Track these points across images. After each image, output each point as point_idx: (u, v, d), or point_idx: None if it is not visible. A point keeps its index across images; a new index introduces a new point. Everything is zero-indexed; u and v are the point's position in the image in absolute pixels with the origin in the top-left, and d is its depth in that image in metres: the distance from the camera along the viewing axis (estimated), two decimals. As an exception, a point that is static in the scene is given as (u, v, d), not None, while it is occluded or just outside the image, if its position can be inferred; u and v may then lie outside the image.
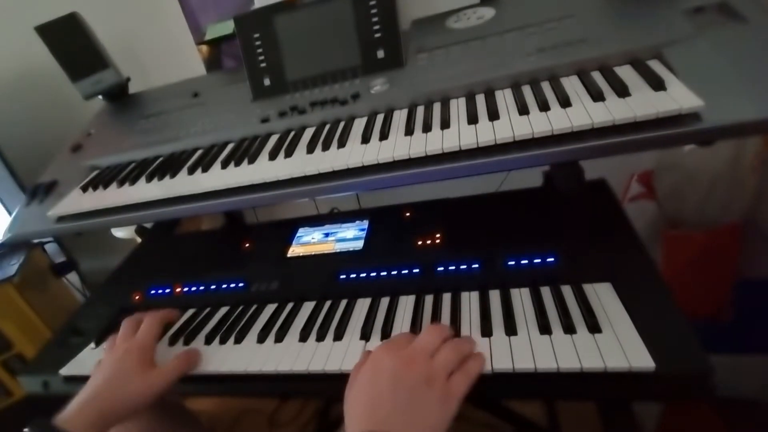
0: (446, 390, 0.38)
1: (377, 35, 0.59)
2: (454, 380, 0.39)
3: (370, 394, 0.38)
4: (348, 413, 0.39)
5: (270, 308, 0.59)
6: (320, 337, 0.50)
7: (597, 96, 0.43)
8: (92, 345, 0.61)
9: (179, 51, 0.98)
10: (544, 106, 0.45)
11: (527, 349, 0.41)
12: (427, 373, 0.38)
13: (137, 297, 0.69)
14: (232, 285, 0.64)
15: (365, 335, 0.49)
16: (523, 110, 0.45)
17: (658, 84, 0.42)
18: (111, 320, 0.65)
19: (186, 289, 0.67)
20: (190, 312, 0.63)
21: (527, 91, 0.49)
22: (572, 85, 0.47)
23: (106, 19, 0.84)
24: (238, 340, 0.54)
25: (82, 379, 0.57)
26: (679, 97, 0.40)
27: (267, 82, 0.64)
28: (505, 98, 0.49)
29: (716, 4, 0.48)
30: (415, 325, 0.48)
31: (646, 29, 0.49)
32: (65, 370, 0.58)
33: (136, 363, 0.49)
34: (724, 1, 0.47)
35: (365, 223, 0.68)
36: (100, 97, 0.82)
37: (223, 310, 0.61)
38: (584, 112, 0.42)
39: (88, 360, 0.59)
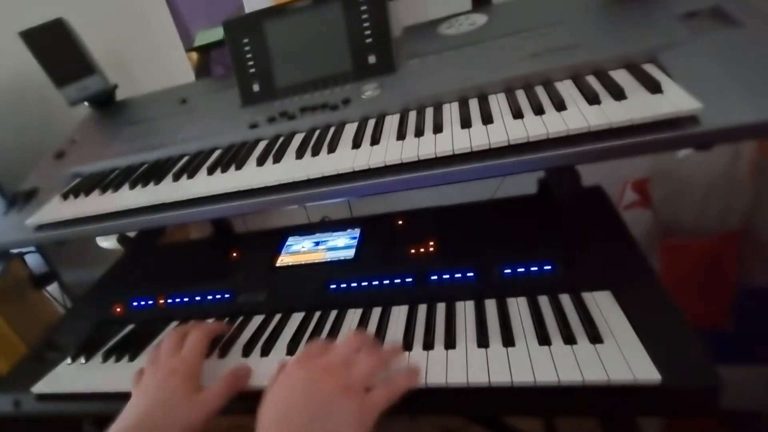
0: (364, 401, 0.36)
1: (368, 40, 0.58)
2: (376, 393, 0.37)
3: (282, 409, 0.37)
4: (259, 430, 0.37)
5: (257, 320, 0.56)
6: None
7: (593, 99, 0.42)
8: (68, 360, 0.58)
9: (169, 58, 0.97)
10: (538, 110, 0.44)
11: (526, 361, 0.39)
12: (343, 383, 0.37)
13: (119, 309, 0.66)
14: (218, 296, 0.62)
15: (356, 348, 0.47)
16: (517, 114, 0.44)
17: (654, 87, 0.41)
18: (90, 334, 0.62)
19: (170, 300, 0.64)
20: (173, 324, 0.60)
21: (521, 96, 0.48)
22: (567, 89, 0.46)
23: (95, 26, 0.82)
24: (222, 355, 0.51)
25: (56, 398, 0.54)
26: (676, 99, 0.39)
27: (256, 87, 0.63)
28: (498, 103, 0.48)
29: (709, 8, 0.48)
30: (408, 337, 0.46)
31: (640, 34, 0.49)
32: (38, 388, 0.55)
33: (181, 387, 0.44)
34: (717, 5, 0.47)
35: (357, 232, 0.67)
36: (86, 103, 0.80)
37: (208, 322, 0.58)
38: (580, 116, 0.41)
39: (64, 376, 0.56)
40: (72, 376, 0.56)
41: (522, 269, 0.51)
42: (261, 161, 0.52)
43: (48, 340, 0.63)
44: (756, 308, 0.73)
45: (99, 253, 1.02)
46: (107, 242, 0.98)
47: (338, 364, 0.39)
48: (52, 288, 1.12)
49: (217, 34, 0.76)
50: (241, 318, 0.57)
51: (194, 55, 0.87)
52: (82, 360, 0.57)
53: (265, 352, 0.49)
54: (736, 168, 0.67)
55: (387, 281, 0.55)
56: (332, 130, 0.54)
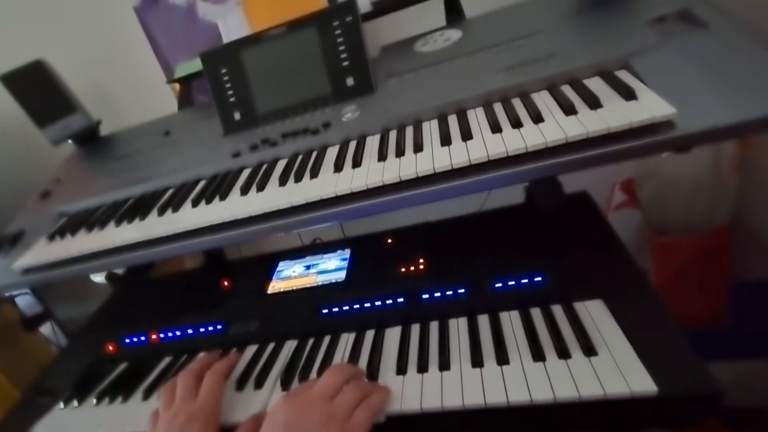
0: (346, 427, 0.37)
1: (345, 63, 0.59)
2: (355, 415, 0.38)
3: None
4: None
5: (250, 350, 0.55)
6: (302, 381, 0.47)
7: (569, 109, 0.43)
8: (61, 405, 0.57)
9: (152, 90, 0.97)
10: (516, 123, 0.44)
11: (521, 380, 0.39)
12: (325, 415, 0.37)
13: (111, 348, 0.65)
14: (210, 328, 0.61)
15: (350, 374, 0.46)
16: (495, 128, 0.44)
17: (629, 94, 0.41)
18: (82, 375, 0.61)
19: (162, 335, 0.63)
20: (167, 360, 0.59)
21: (499, 109, 0.48)
22: (543, 100, 0.46)
23: (76, 63, 0.83)
24: (215, 389, 0.50)
25: (49, 446, 0.53)
26: (651, 105, 0.39)
27: (237, 116, 0.63)
28: (477, 117, 0.48)
29: (677, 12, 0.48)
30: (402, 359, 0.46)
31: (612, 41, 0.49)
32: (30, 437, 0.53)
33: None
34: (685, 9, 0.48)
35: (347, 253, 0.66)
36: (70, 141, 0.80)
37: (201, 356, 0.57)
38: (557, 127, 0.41)
39: (57, 422, 0.55)
40: (65, 421, 0.55)
41: (512, 282, 0.50)
42: (245, 191, 0.52)
43: (39, 385, 0.62)
44: (754, 302, 0.72)
45: (92, 288, 1.01)
46: (100, 277, 0.97)
47: (319, 399, 0.39)
48: (46, 327, 1.11)
49: (197, 65, 0.76)
50: (234, 349, 0.56)
51: (177, 85, 0.88)
52: (75, 403, 0.56)
53: (259, 384, 0.48)
54: (719, 164, 0.68)
55: (379, 302, 0.55)
56: (314, 154, 0.54)
